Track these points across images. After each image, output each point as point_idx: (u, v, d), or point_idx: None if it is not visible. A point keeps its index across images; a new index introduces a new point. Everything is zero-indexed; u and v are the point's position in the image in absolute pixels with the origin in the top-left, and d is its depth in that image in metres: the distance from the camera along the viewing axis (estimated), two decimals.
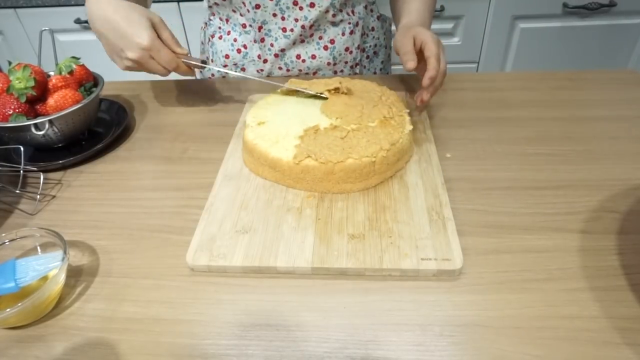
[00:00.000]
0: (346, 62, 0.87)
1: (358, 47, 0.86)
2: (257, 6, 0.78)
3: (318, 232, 0.50)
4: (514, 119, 0.70)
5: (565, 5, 1.38)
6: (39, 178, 0.62)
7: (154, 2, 1.42)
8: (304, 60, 0.85)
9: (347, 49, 0.85)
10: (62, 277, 0.45)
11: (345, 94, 0.65)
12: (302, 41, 0.83)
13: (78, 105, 0.65)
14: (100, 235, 0.54)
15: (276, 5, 0.78)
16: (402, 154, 0.58)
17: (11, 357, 0.42)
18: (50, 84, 0.66)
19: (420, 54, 0.64)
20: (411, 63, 0.62)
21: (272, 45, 0.83)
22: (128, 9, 0.63)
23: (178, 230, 0.53)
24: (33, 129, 0.62)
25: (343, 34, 0.83)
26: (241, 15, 0.82)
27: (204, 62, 0.70)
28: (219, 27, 0.87)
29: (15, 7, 1.47)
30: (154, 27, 0.64)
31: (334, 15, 0.81)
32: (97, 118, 0.73)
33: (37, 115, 0.65)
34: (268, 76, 0.88)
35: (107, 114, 0.76)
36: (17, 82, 0.63)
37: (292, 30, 0.81)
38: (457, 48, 1.50)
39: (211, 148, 0.67)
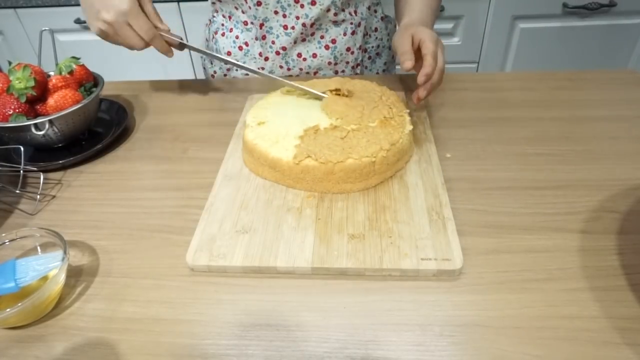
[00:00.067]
0: (347, 62, 0.87)
1: (360, 48, 0.86)
2: (259, 3, 0.79)
3: (318, 232, 0.50)
4: (514, 119, 0.70)
5: (565, 5, 1.38)
6: (39, 178, 0.62)
7: (153, 2, 1.42)
8: (305, 59, 0.85)
9: (348, 49, 0.85)
10: (62, 277, 0.45)
11: (346, 96, 0.65)
12: (304, 40, 0.83)
13: (78, 105, 0.65)
14: (100, 235, 0.54)
15: (277, 2, 0.78)
16: (402, 154, 0.58)
17: (11, 357, 0.42)
18: (50, 84, 0.66)
19: (418, 53, 0.63)
20: (408, 63, 0.61)
21: (273, 42, 0.83)
22: None
23: (178, 230, 0.53)
24: (33, 129, 0.62)
25: (345, 34, 0.83)
26: (243, 12, 0.82)
27: (181, 42, 0.68)
28: (222, 24, 0.87)
29: (15, 7, 1.47)
30: (139, 2, 0.64)
31: (335, 14, 0.81)
32: (97, 118, 0.73)
33: (37, 115, 0.65)
34: (271, 72, 0.88)
35: (107, 114, 0.76)
36: (17, 82, 0.63)
37: (293, 28, 0.81)
38: (457, 48, 1.50)
39: (211, 148, 0.67)
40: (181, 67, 1.57)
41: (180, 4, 1.43)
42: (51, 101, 0.65)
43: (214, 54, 0.74)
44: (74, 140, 0.69)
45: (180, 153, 0.67)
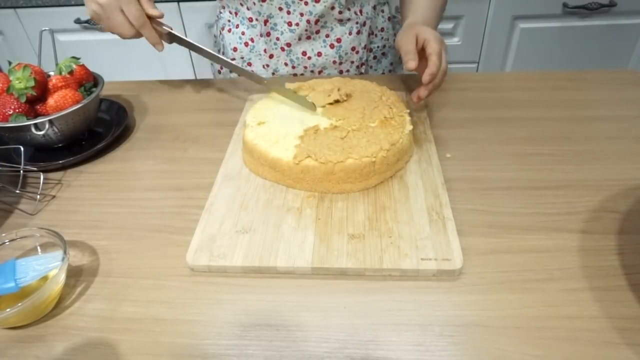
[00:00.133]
0: (352, 62, 0.87)
1: (365, 47, 0.86)
2: (263, 0, 0.79)
3: (318, 232, 0.50)
4: (514, 119, 0.70)
5: (565, 5, 1.38)
6: (39, 178, 0.62)
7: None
8: (309, 57, 0.85)
9: (353, 49, 0.85)
10: (62, 277, 0.45)
11: (345, 100, 0.65)
12: (309, 37, 0.83)
13: (78, 105, 0.65)
14: (100, 235, 0.54)
15: None
16: (402, 154, 0.58)
17: (11, 357, 0.42)
18: (50, 84, 0.66)
19: (421, 53, 0.63)
20: (412, 63, 0.61)
21: (277, 39, 0.83)
22: None
23: (178, 230, 0.53)
24: (33, 129, 0.62)
25: (350, 33, 0.83)
26: (248, 8, 0.83)
27: (171, 32, 0.68)
28: (228, 20, 0.88)
29: (15, 7, 1.47)
30: None
31: (340, 12, 0.81)
32: (97, 118, 0.73)
33: (37, 115, 0.65)
34: (273, 74, 0.88)
35: (107, 114, 0.76)
36: (17, 82, 0.63)
37: (297, 24, 0.81)
38: (457, 48, 1.50)
39: (211, 148, 0.67)
40: (181, 67, 1.57)
41: (180, 4, 1.43)
42: (51, 101, 0.65)
43: (203, 47, 0.72)
44: (74, 140, 0.69)
45: (180, 153, 0.67)
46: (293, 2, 0.79)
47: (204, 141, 0.69)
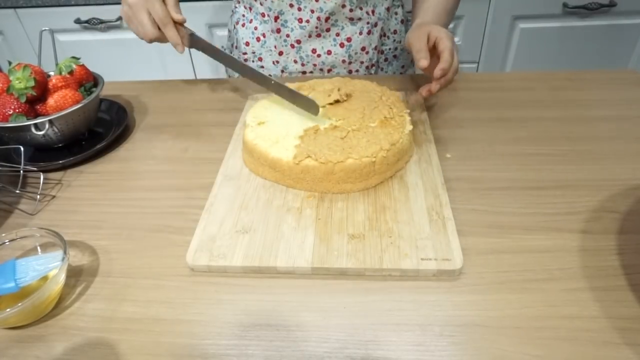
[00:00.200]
0: (362, 62, 0.87)
1: (375, 48, 0.86)
2: None
3: (318, 232, 0.50)
4: (514, 119, 0.70)
5: (565, 5, 1.38)
6: (39, 178, 0.62)
7: None
8: (319, 55, 0.85)
9: (363, 49, 0.85)
10: (62, 277, 0.45)
11: (345, 100, 0.65)
12: (319, 35, 0.83)
13: (78, 105, 0.65)
14: (100, 235, 0.54)
15: None
16: (402, 154, 0.58)
17: (11, 357, 0.42)
18: (50, 84, 0.66)
19: (432, 52, 0.63)
20: (424, 61, 0.61)
21: (287, 36, 0.84)
22: None
23: (178, 230, 0.53)
24: (33, 129, 0.62)
25: (360, 33, 0.83)
26: (261, 4, 0.83)
27: (192, 34, 0.69)
28: (243, 15, 0.88)
29: (15, 7, 1.47)
30: None
31: (351, 11, 0.81)
32: (97, 118, 0.73)
33: (37, 115, 0.65)
34: (282, 71, 0.88)
35: (107, 114, 0.76)
36: (17, 82, 0.63)
37: (307, 21, 0.81)
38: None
39: (211, 148, 0.67)
40: (181, 67, 1.57)
41: (180, 4, 1.43)
42: (51, 101, 0.65)
43: (225, 52, 0.71)
44: (74, 140, 0.69)
45: (180, 153, 0.67)
46: None
47: (204, 141, 0.69)
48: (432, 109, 0.72)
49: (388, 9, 0.86)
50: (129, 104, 0.81)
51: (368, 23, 0.83)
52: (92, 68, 0.74)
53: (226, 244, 0.49)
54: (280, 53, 0.86)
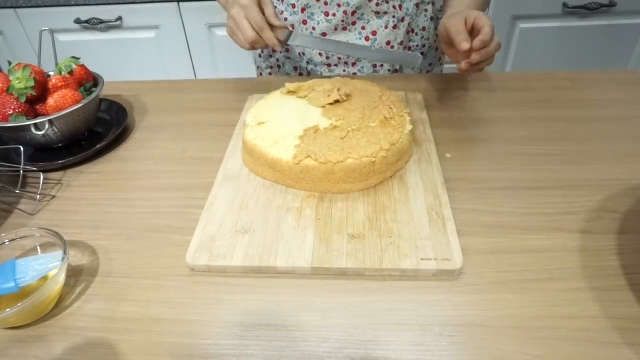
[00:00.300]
0: None
1: (401, 44, 0.86)
2: None
3: (318, 232, 0.50)
4: (514, 119, 0.70)
5: (565, 5, 1.38)
6: (39, 178, 0.62)
7: (153, 2, 1.43)
8: None
9: (388, 43, 0.85)
10: (62, 277, 0.45)
11: (345, 100, 0.65)
12: (344, 29, 0.84)
13: (78, 106, 0.65)
14: (100, 235, 0.54)
15: None
16: (402, 154, 0.58)
17: (11, 357, 0.42)
18: (50, 84, 0.66)
19: (471, 35, 0.63)
20: (465, 44, 0.61)
21: (314, 28, 0.84)
22: None
23: (178, 230, 0.53)
24: (33, 129, 0.62)
25: (386, 27, 0.83)
26: None
27: (290, 32, 0.73)
28: (275, 7, 0.88)
29: (15, 7, 1.47)
30: (259, 3, 0.71)
31: (377, 5, 0.81)
32: (97, 118, 0.73)
33: (37, 115, 0.65)
34: (308, 63, 0.89)
35: (107, 114, 0.76)
36: (17, 82, 0.63)
37: (334, 15, 0.82)
38: None
39: (211, 148, 0.67)
40: (181, 67, 1.57)
41: (180, 4, 1.43)
42: (51, 101, 0.65)
43: (323, 39, 0.75)
44: (74, 140, 0.69)
45: (180, 153, 0.67)
46: None
47: (204, 141, 0.69)
48: (432, 109, 0.72)
49: (417, 6, 0.85)
50: (129, 104, 0.81)
51: (394, 17, 0.83)
52: (92, 68, 0.74)
53: (226, 244, 0.49)
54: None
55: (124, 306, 0.45)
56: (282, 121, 0.62)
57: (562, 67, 1.51)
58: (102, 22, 1.47)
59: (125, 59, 1.55)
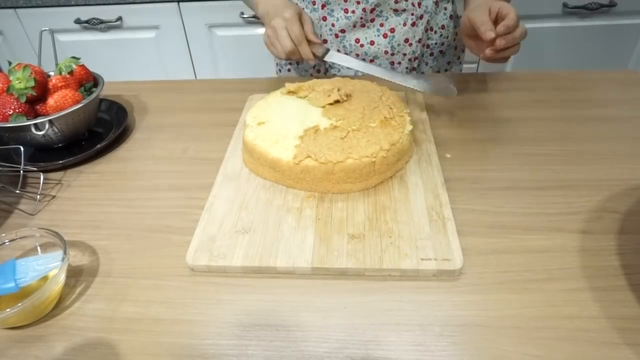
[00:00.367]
0: (404, 54, 0.86)
1: (419, 41, 0.86)
2: None
3: (318, 232, 0.50)
4: (514, 119, 0.70)
5: (565, 5, 1.38)
6: (39, 178, 0.62)
7: (153, 2, 1.43)
8: (362, 45, 0.86)
9: (406, 40, 0.85)
10: (62, 277, 0.45)
11: (345, 100, 0.65)
12: (363, 25, 0.84)
13: (78, 106, 0.65)
14: (100, 235, 0.54)
15: None
16: (402, 154, 0.58)
17: (11, 357, 0.42)
18: (50, 84, 0.66)
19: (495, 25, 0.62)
20: (490, 32, 0.60)
21: (333, 25, 0.85)
22: (286, 1, 0.77)
23: (178, 230, 0.53)
24: (33, 129, 0.62)
25: (404, 24, 0.83)
26: None
27: (326, 51, 0.75)
28: (297, 4, 0.88)
29: (15, 7, 1.47)
30: (300, 18, 0.74)
31: (396, 2, 0.81)
32: (97, 118, 0.73)
33: (37, 115, 0.65)
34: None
35: (107, 114, 0.76)
36: (17, 82, 0.63)
37: (353, 12, 0.82)
38: None
39: (211, 148, 0.67)
40: (181, 67, 1.57)
41: (180, 4, 1.43)
42: (51, 101, 0.65)
43: (356, 60, 0.76)
44: (74, 140, 0.69)
45: (180, 153, 0.67)
46: None
47: (204, 141, 0.69)
48: (432, 109, 0.72)
49: (437, 3, 0.85)
50: (129, 104, 0.81)
51: (413, 14, 0.83)
52: (92, 68, 0.74)
53: (226, 244, 0.49)
54: (325, 41, 0.87)
55: (124, 306, 0.45)
56: (282, 121, 0.62)
57: (562, 67, 1.51)
58: (102, 22, 1.47)
59: (125, 59, 1.55)
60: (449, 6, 0.88)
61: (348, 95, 0.65)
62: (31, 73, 0.63)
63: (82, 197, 0.60)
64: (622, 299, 0.43)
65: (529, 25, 1.45)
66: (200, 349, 0.41)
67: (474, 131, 0.67)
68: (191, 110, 0.78)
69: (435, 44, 0.89)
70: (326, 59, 0.75)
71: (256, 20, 1.43)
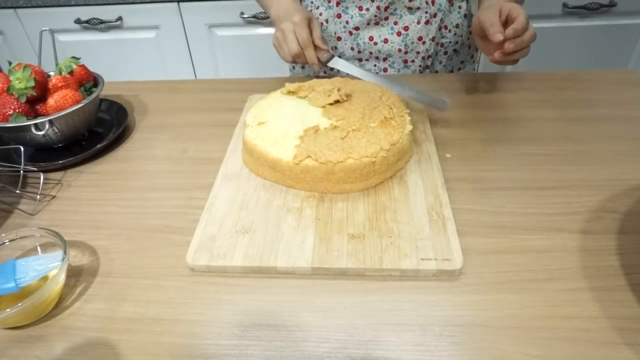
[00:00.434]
0: (418, 52, 0.86)
1: (433, 39, 0.86)
2: None
3: (318, 232, 0.50)
4: (514, 119, 0.70)
5: (565, 5, 1.38)
6: (39, 178, 0.62)
7: (153, 2, 1.43)
8: (375, 43, 0.86)
9: (420, 39, 0.85)
10: (62, 277, 0.45)
11: (345, 100, 0.65)
12: (377, 23, 0.84)
13: (78, 106, 0.65)
14: (100, 235, 0.54)
15: None
16: (402, 154, 0.58)
17: (11, 357, 0.42)
18: (50, 84, 0.66)
19: (505, 27, 0.62)
20: (499, 35, 0.60)
21: (347, 22, 0.85)
22: (297, 6, 0.78)
23: (178, 230, 0.53)
24: (33, 129, 0.62)
25: (418, 23, 0.83)
26: None
27: (331, 56, 0.76)
28: (311, 2, 0.90)
29: (15, 7, 1.47)
30: (309, 23, 0.75)
31: (410, 0, 0.81)
32: (97, 118, 0.73)
33: (37, 115, 0.65)
34: (339, 57, 0.88)
35: (107, 114, 0.76)
36: (17, 82, 0.63)
37: (367, 9, 0.82)
38: None
39: (211, 148, 0.67)
40: (181, 67, 1.57)
41: (180, 4, 1.43)
42: (51, 101, 0.65)
43: (360, 68, 0.76)
44: (74, 140, 0.69)
45: (180, 153, 0.67)
46: None
47: (204, 141, 0.69)
48: (432, 109, 0.72)
49: (451, 2, 0.85)
50: (129, 104, 0.81)
51: (427, 13, 0.83)
52: (92, 68, 0.74)
53: (226, 244, 0.49)
54: (339, 39, 0.87)
55: (124, 306, 0.45)
56: (282, 121, 0.62)
57: (562, 67, 1.51)
58: (102, 22, 1.47)
59: (125, 59, 1.55)
60: (464, 5, 0.88)
61: (348, 95, 0.65)
62: (31, 73, 0.63)
63: (82, 197, 0.60)
64: (622, 299, 0.43)
65: None
66: (200, 349, 0.41)
67: (474, 131, 0.67)
68: (191, 110, 0.78)
69: (449, 42, 0.89)
70: (330, 64, 0.76)
71: (256, 20, 1.43)
